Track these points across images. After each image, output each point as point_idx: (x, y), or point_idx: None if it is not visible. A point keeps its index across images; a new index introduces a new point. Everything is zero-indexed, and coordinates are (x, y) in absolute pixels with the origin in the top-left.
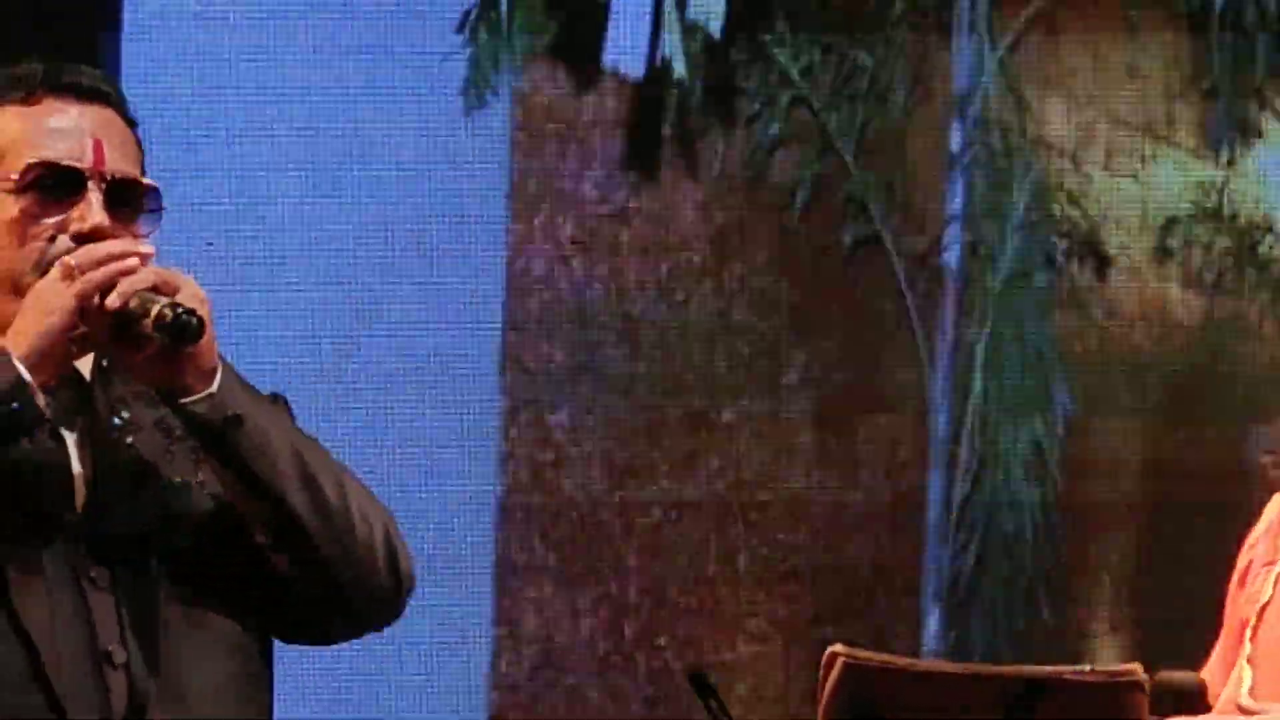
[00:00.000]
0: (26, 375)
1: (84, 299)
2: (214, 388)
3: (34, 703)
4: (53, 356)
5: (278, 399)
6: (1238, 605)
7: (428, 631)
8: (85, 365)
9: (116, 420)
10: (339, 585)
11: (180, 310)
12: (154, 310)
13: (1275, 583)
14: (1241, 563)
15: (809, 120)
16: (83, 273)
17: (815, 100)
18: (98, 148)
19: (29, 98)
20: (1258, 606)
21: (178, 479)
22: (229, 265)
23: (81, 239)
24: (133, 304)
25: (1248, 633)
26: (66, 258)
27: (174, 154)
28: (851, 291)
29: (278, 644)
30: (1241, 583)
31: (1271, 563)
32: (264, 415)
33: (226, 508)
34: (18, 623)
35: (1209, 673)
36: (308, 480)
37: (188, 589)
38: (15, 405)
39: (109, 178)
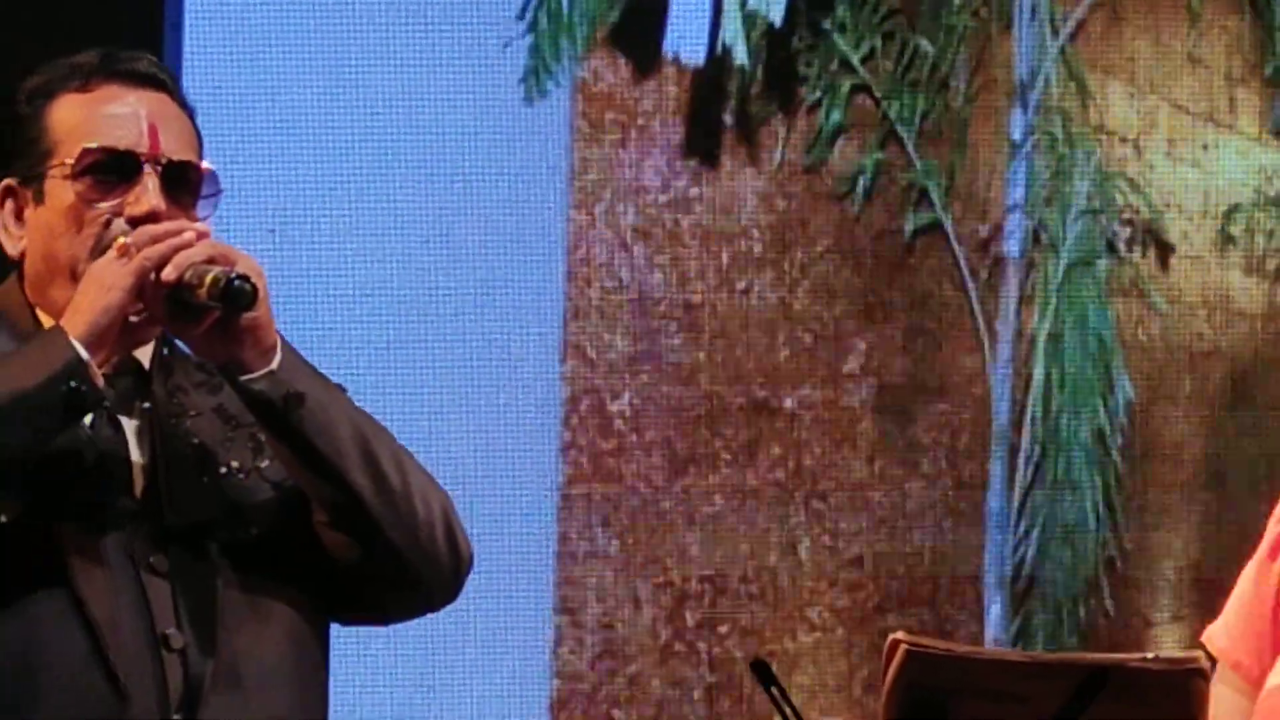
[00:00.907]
0: (85, 354)
1: (142, 275)
2: (274, 365)
3: (96, 684)
4: (111, 335)
5: (339, 388)
6: (1267, 578)
7: (489, 619)
8: (145, 355)
9: (176, 407)
10: (398, 565)
11: (234, 276)
12: (208, 279)
13: None
14: (1271, 534)
15: (870, 108)
16: (139, 251)
17: (876, 88)
18: (153, 132)
19: (85, 85)
20: None
21: (236, 465)
22: (291, 254)
23: (137, 222)
24: (188, 275)
25: None
26: (123, 238)
27: (235, 143)
28: (913, 279)
29: (340, 630)
30: (1273, 555)
31: None
32: (325, 393)
33: (285, 494)
34: (81, 607)
35: (1226, 639)
36: (369, 458)
37: (246, 575)
38: (73, 384)
39: (164, 161)
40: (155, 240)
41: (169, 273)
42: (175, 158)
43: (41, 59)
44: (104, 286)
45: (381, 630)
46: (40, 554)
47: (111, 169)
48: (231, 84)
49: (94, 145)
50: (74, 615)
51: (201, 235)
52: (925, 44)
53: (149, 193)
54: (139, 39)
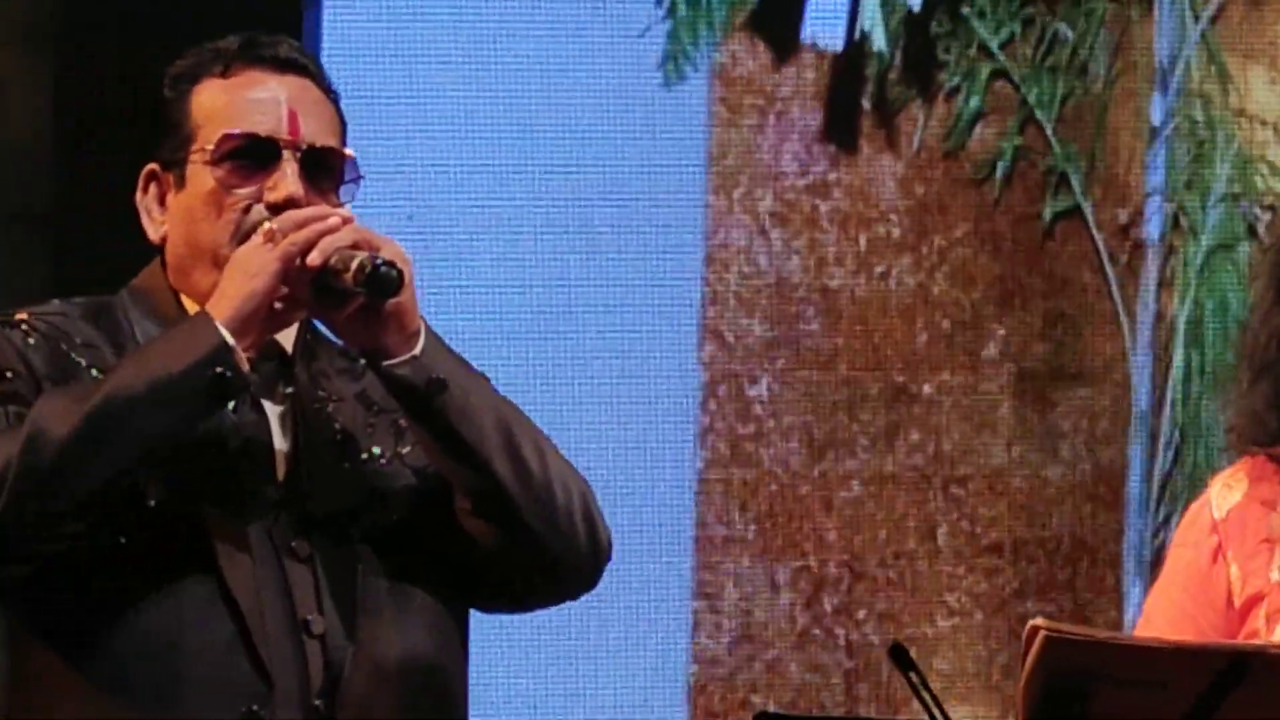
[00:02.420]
0: (230, 340)
1: (287, 261)
2: (417, 350)
3: (242, 669)
4: (256, 321)
5: (480, 375)
6: (1215, 584)
7: (627, 604)
8: (287, 340)
9: (318, 393)
10: (539, 552)
11: (380, 263)
12: (354, 264)
13: None
14: (1209, 543)
15: (1009, 93)
16: (285, 236)
17: (1015, 73)
18: (292, 117)
19: (226, 71)
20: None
21: (378, 452)
22: (429, 240)
23: (276, 208)
24: (333, 260)
25: (1262, 610)
26: (268, 223)
27: (374, 129)
28: (1052, 264)
29: (480, 617)
30: (1216, 559)
31: (1273, 540)
32: (467, 380)
33: (426, 480)
34: (226, 592)
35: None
36: (510, 445)
37: (386, 562)
38: (219, 370)
39: (304, 147)
40: (300, 225)
41: (314, 258)
42: (315, 143)
43: (185, 44)
44: (250, 272)
45: (521, 617)
46: (187, 539)
47: (251, 154)
48: (370, 71)
49: (234, 131)
50: (219, 600)
51: (346, 220)
52: (1065, 29)
53: (287, 179)
54: (278, 25)
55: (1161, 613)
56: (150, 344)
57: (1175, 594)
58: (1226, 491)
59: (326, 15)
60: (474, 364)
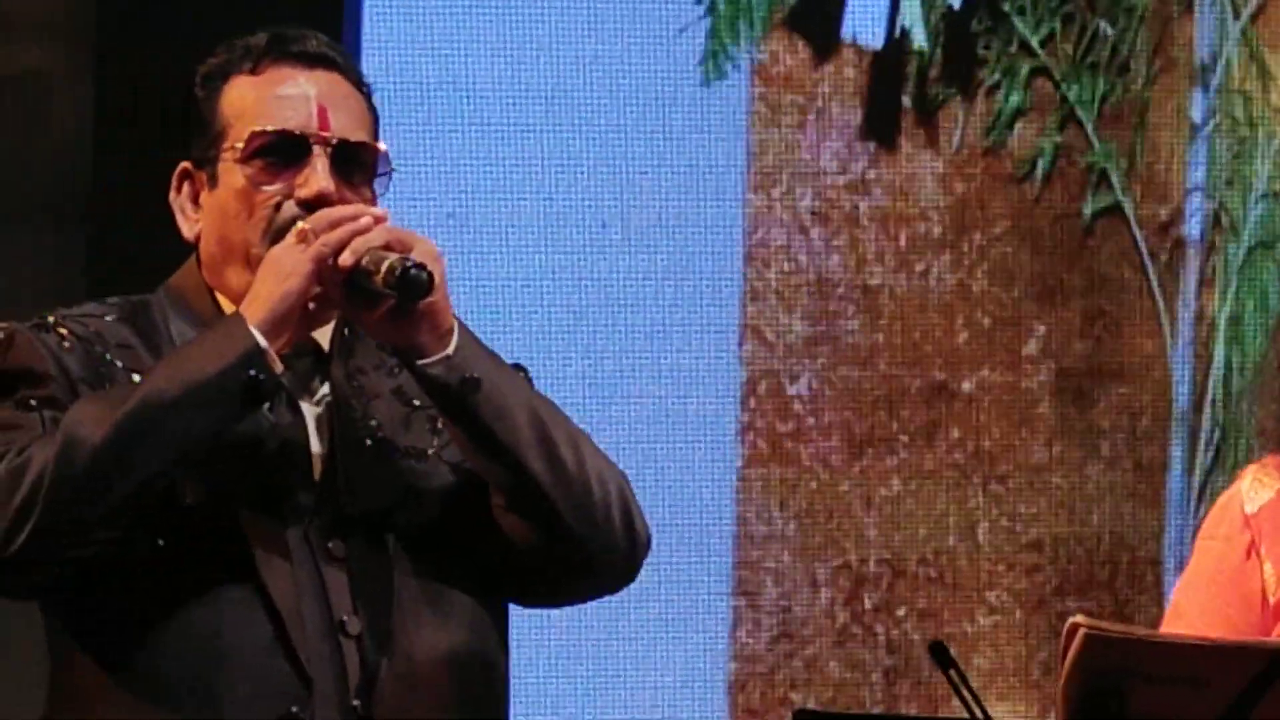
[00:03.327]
0: (263, 342)
1: (320, 261)
2: (450, 349)
3: (281, 670)
4: (289, 322)
5: (518, 369)
6: (1249, 580)
7: (667, 601)
8: (324, 336)
9: (355, 390)
10: (575, 547)
11: (410, 264)
12: (384, 266)
13: None
14: (1242, 539)
15: (1050, 90)
16: (317, 236)
17: (1056, 70)
18: (322, 113)
19: (256, 67)
20: None
21: (415, 449)
22: (469, 237)
23: (307, 204)
24: (365, 261)
25: None
26: (302, 223)
27: (413, 126)
28: (1092, 262)
29: (519, 613)
30: (1249, 555)
31: None
32: (502, 378)
33: (462, 477)
34: (265, 594)
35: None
36: (545, 442)
37: (423, 561)
38: (253, 372)
39: (334, 142)
40: (333, 225)
41: (346, 258)
42: (346, 138)
43: (219, 42)
44: (283, 273)
45: (560, 612)
46: (224, 542)
47: (280, 151)
48: (410, 68)
49: (263, 128)
50: (258, 602)
51: (379, 219)
52: (1105, 26)
53: (318, 174)
54: (318, 22)
55: (1192, 606)
56: (184, 347)
57: (1206, 587)
58: (1259, 486)
59: (367, 11)
60: (514, 360)
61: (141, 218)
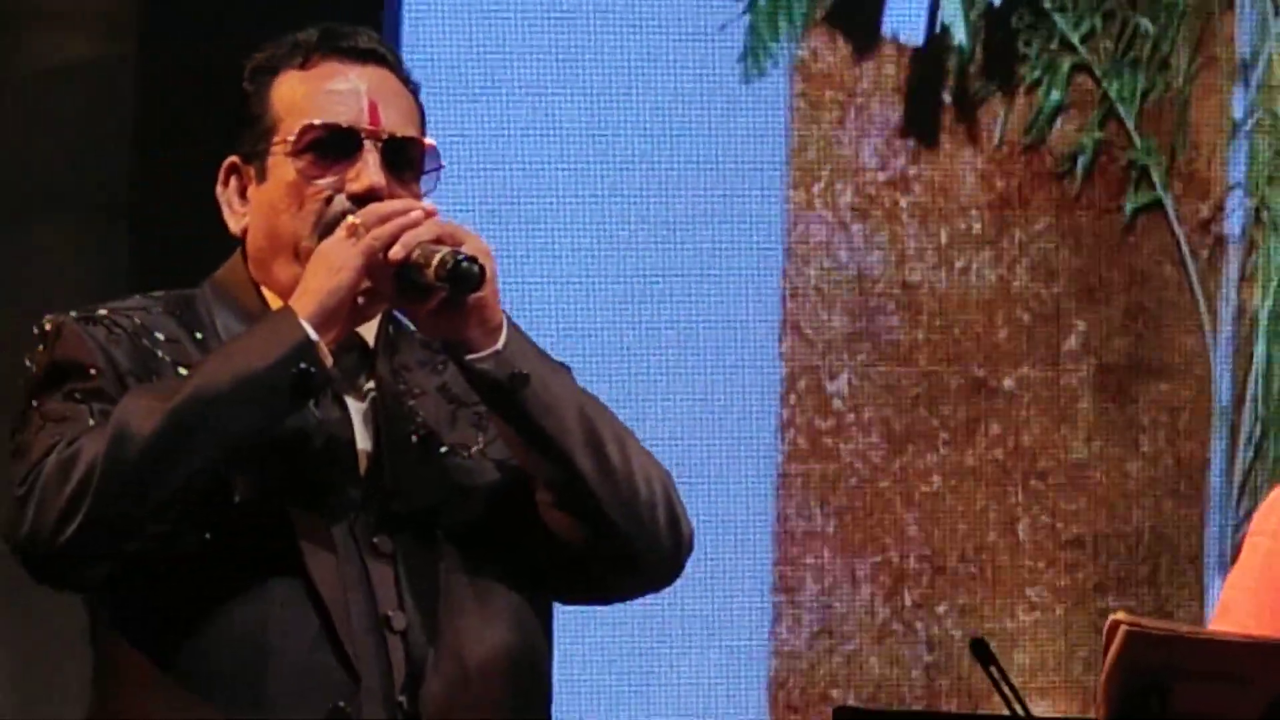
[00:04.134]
0: (314, 335)
1: (370, 256)
2: (499, 344)
3: (328, 665)
4: (339, 316)
5: (562, 367)
6: None
7: (708, 597)
8: (369, 332)
9: (400, 387)
10: (621, 544)
11: (461, 258)
12: (435, 259)
13: None
14: None
15: (1090, 87)
16: (368, 230)
17: (1097, 67)
18: (373, 108)
19: (306, 62)
20: None
21: (460, 445)
22: (512, 234)
23: (357, 198)
24: (415, 255)
25: None
26: (352, 217)
27: (455, 123)
28: (1133, 258)
29: (560, 609)
30: None
31: None
32: (549, 374)
33: (508, 474)
34: (312, 589)
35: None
36: (592, 439)
37: (469, 557)
38: (303, 365)
39: (385, 137)
40: (383, 220)
41: (397, 251)
42: (396, 133)
43: (266, 36)
44: (333, 267)
45: (601, 609)
46: (272, 536)
47: (331, 146)
48: (450, 66)
49: (314, 122)
50: (305, 597)
51: (429, 214)
52: (1146, 23)
53: (369, 169)
54: (358, 20)
55: (1240, 604)
56: (234, 340)
57: (1255, 584)
58: None
59: (406, 10)
60: (556, 356)
61: (185, 212)
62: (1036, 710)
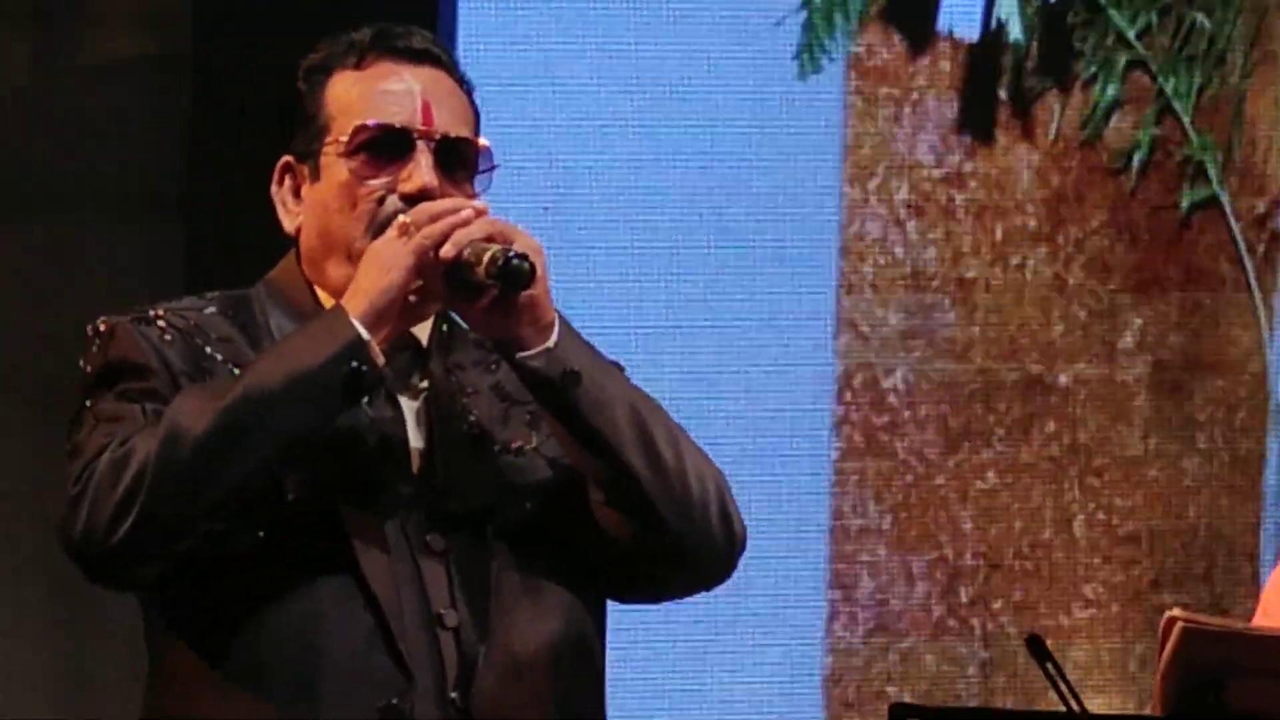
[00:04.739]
0: (365, 334)
1: (421, 255)
2: (551, 342)
3: (380, 663)
4: (391, 315)
5: (614, 365)
6: None
7: (762, 595)
8: (422, 332)
9: (453, 386)
10: (674, 543)
11: (512, 255)
12: (486, 257)
13: None
14: None
15: (1146, 83)
16: (418, 229)
17: (1153, 63)
18: (426, 108)
19: (360, 62)
20: None
21: (512, 444)
22: (565, 232)
23: (410, 199)
24: (466, 253)
25: None
26: (403, 216)
27: (509, 121)
28: (1188, 255)
29: (612, 607)
30: None
31: None
32: (602, 372)
33: (561, 472)
34: (365, 587)
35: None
36: (644, 437)
37: (521, 555)
38: (355, 364)
39: (438, 138)
40: (434, 219)
41: (447, 250)
42: (449, 134)
43: (320, 34)
44: (384, 266)
45: (654, 607)
46: (324, 534)
47: (384, 146)
48: (505, 62)
49: (368, 122)
50: (357, 595)
51: (479, 213)
52: (1202, 18)
53: (421, 169)
54: (414, 17)
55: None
56: (286, 340)
57: None
58: None
59: (462, 6)
60: (609, 354)
61: (238, 212)
62: (1092, 707)
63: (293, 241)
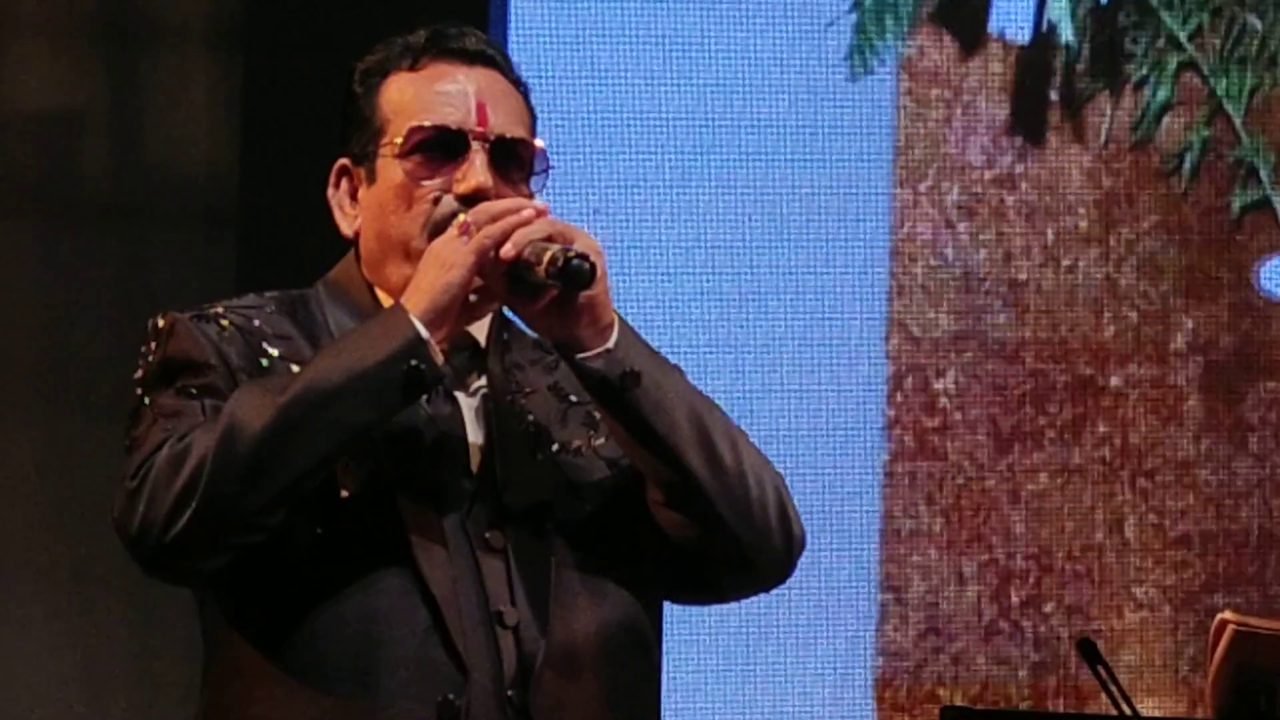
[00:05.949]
0: (425, 333)
1: (482, 254)
2: (611, 343)
3: (438, 659)
4: (451, 313)
5: (674, 367)
6: None
7: (813, 597)
8: (481, 331)
9: (511, 385)
10: (732, 544)
11: (573, 255)
12: (546, 257)
13: None
14: None
15: (1198, 85)
16: (479, 229)
17: (1204, 64)
18: (481, 109)
19: (415, 64)
20: None
21: (571, 443)
22: (617, 233)
23: (465, 199)
24: (527, 253)
25: None
26: (463, 215)
27: (561, 122)
28: (1240, 256)
29: (667, 608)
30: None
31: None
32: (661, 373)
33: (620, 472)
34: (422, 583)
35: None
36: (703, 438)
37: (580, 554)
38: (414, 362)
39: (493, 138)
40: (494, 218)
41: (508, 250)
42: (504, 134)
43: (370, 40)
44: (445, 265)
45: (707, 608)
46: (382, 530)
47: (439, 146)
48: (558, 62)
49: (423, 123)
50: (415, 591)
51: (540, 212)
52: (1254, 20)
53: (476, 170)
54: (464, 18)
55: None
56: (345, 337)
57: None
58: None
59: (513, 7)
60: (663, 354)
61: (291, 217)
62: (1144, 710)
63: (347, 246)
